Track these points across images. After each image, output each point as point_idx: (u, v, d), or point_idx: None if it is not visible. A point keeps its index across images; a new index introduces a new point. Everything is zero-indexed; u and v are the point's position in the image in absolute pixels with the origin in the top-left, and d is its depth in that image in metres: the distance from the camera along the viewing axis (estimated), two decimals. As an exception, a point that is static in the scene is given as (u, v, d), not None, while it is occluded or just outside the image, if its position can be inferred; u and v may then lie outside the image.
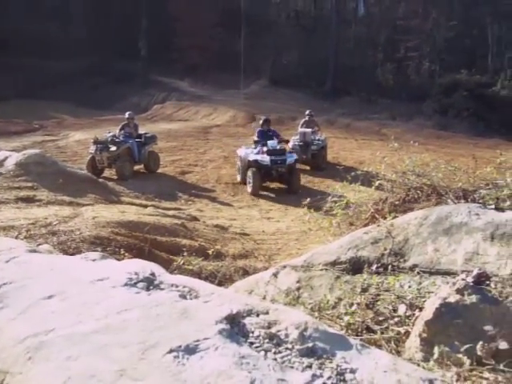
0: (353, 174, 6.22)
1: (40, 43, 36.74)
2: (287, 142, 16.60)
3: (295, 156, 15.42)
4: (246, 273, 6.93)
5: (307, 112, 20.05)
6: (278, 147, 14.95)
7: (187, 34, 40.05)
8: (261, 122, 16.78)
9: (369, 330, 2.76)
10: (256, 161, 14.75)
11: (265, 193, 15.17)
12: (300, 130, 18.64)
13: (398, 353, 2.50)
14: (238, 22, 43.79)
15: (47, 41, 37.47)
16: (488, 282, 2.92)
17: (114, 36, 40.33)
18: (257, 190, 14.78)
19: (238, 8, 44.66)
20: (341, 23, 43.86)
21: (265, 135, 15.76)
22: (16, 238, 6.40)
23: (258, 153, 15.01)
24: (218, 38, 42.14)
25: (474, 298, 2.45)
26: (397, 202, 5.12)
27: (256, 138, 15.93)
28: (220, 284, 4.93)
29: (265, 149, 14.81)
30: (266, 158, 14.61)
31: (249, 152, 15.38)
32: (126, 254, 6.19)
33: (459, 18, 38.72)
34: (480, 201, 4.30)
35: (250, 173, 14.80)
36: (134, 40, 42.76)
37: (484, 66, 37.83)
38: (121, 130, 16.26)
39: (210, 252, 5.59)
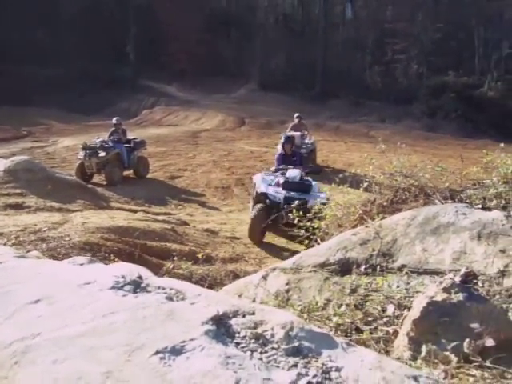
0: (341, 175, 6.25)
1: (29, 49, 36.68)
2: (319, 171, 12.76)
3: (325, 195, 9.94)
4: (236, 276, 6.94)
5: (296, 115, 20.04)
6: (299, 179, 10.74)
7: (175, 39, 40.15)
8: (281, 140, 12.35)
9: (358, 330, 2.77)
10: (265, 194, 10.50)
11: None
12: (289, 133, 18.62)
13: (387, 352, 2.51)
14: (226, 27, 43.90)
15: (36, 47, 37.41)
16: (475, 281, 2.94)
17: (103, 42, 40.25)
18: (256, 235, 10.49)
19: (225, 12, 44.78)
20: (328, 26, 44.05)
21: (287, 161, 11.56)
22: (4, 244, 6.37)
23: (273, 184, 10.90)
24: (206, 42, 42.14)
25: (460, 297, 2.47)
26: (385, 203, 5.13)
27: (276, 165, 11.87)
28: (210, 288, 4.92)
29: (281, 180, 10.73)
30: (278, 193, 10.39)
31: (267, 180, 11.18)
32: (116, 260, 6.18)
33: (445, 21, 38.95)
34: (467, 200, 4.33)
35: (254, 210, 10.65)
36: (123, 45, 42.74)
37: (471, 68, 38.09)
38: (110, 135, 16.23)
39: (199, 256, 5.57)
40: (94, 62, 39.04)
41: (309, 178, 11.21)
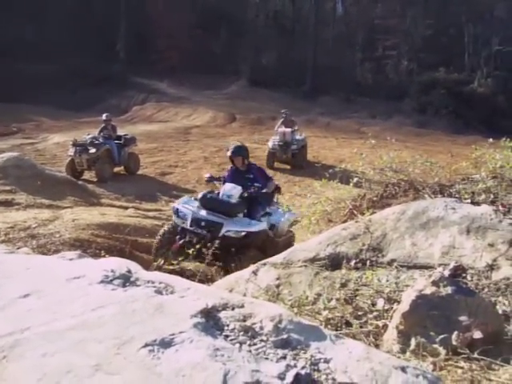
0: (331, 171, 6.25)
1: (18, 46, 36.43)
2: (275, 190, 8.95)
3: (260, 226, 7.76)
4: (227, 272, 6.93)
5: (282, 111, 20.10)
6: (226, 197, 7.87)
7: (166, 35, 40.04)
8: (228, 152, 8.61)
9: (348, 324, 2.78)
10: (177, 212, 7.91)
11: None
12: (279, 129, 18.66)
13: (377, 346, 2.53)
14: (217, 23, 43.79)
15: (25, 43, 37.13)
16: (464, 275, 2.97)
17: (93, 38, 40.01)
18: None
19: (216, 8, 44.66)
20: (319, 23, 44.05)
21: (239, 178, 8.38)
22: (-6, 241, 6.35)
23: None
24: (197, 38, 42.04)
25: (449, 290, 2.49)
26: (375, 198, 5.17)
27: (223, 182, 8.65)
28: (201, 283, 4.92)
29: (201, 194, 8.09)
30: (188, 210, 7.81)
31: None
32: (107, 256, 6.16)
33: (436, 17, 39.11)
34: (456, 195, 4.37)
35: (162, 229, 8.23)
36: (113, 42, 42.54)
37: (461, 64, 38.26)
38: (100, 132, 16.19)
39: (190, 252, 5.56)
40: (84, 58, 38.73)
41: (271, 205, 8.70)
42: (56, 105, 33.61)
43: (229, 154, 8.53)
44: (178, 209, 7.91)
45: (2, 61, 34.68)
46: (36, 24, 40.25)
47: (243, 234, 7.47)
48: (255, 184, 8.18)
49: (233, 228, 7.52)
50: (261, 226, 7.75)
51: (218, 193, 8.13)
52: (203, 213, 7.73)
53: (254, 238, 7.58)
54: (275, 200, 9.11)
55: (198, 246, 5.69)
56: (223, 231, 7.44)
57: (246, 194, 8.00)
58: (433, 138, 28.69)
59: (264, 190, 8.23)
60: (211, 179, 8.86)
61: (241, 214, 7.90)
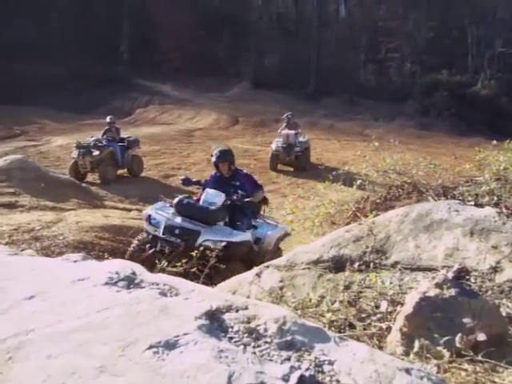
0: (334, 173, 6.25)
1: (20, 47, 36.47)
2: (263, 201, 8.27)
3: (243, 236, 7.04)
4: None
5: (284, 115, 20.12)
6: (207, 204, 7.14)
7: (169, 37, 40.07)
8: (213, 158, 7.79)
9: (352, 326, 2.78)
10: (149, 218, 7.24)
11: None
12: (283, 132, 18.66)
13: (381, 348, 2.52)
14: (220, 25, 43.86)
15: (27, 44, 37.15)
16: (468, 277, 2.96)
17: (96, 40, 40.07)
18: None
19: (219, 10, 44.73)
20: (322, 25, 44.08)
21: (223, 185, 7.59)
22: (-2, 243, 6.36)
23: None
24: (200, 41, 42.12)
25: (452, 292, 2.48)
26: (378, 201, 5.17)
27: (203, 187, 7.92)
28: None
29: (176, 199, 7.23)
30: (162, 219, 7.08)
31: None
32: (110, 258, 6.17)
33: (438, 19, 39.12)
34: (460, 197, 4.37)
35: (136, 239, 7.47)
36: (116, 44, 42.62)
37: (464, 66, 38.26)
38: (103, 134, 16.19)
39: (193, 254, 5.54)
40: (88, 60, 38.78)
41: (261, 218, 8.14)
42: (59, 107, 33.64)
43: (214, 160, 7.74)
44: (150, 215, 7.21)
45: (4, 62, 34.71)
46: (38, 25, 40.33)
47: (223, 244, 6.60)
48: (239, 191, 7.41)
49: (211, 237, 6.75)
50: (244, 236, 7.04)
51: (198, 199, 7.48)
52: (178, 220, 7.00)
53: (236, 250, 6.81)
54: (262, 212, 8.41)
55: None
56: (200, 240, 6.67)
57: (228, 202, 7.27)
58: (436, 140, 28.67)
59: (248, 199, 7.40)
60: (187, 181, 8.22)
61: (221, 222, 7.14)
